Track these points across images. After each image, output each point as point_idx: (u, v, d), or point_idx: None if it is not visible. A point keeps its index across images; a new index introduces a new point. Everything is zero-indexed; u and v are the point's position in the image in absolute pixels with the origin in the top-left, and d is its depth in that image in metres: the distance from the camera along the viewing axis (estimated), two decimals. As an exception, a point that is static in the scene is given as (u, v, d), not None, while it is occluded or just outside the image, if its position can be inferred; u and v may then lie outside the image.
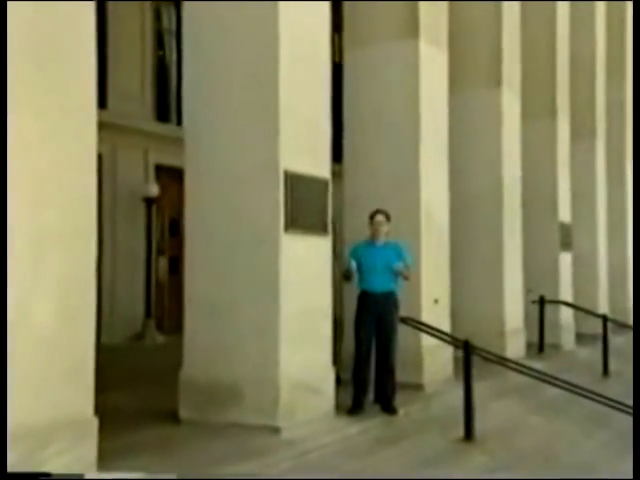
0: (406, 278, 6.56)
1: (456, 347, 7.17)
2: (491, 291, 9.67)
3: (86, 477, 3.48)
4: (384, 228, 6.50)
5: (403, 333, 6.68)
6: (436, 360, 7.69)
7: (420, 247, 7.61)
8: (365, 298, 6.45)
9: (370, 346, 6.40)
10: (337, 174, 7.08)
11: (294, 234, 5.71)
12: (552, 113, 11.75)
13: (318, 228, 6.01)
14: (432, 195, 7.91)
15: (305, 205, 5.81)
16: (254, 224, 5.69)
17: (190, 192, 6.01)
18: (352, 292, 6.66)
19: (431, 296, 7.77)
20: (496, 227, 9.78)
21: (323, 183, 6.06)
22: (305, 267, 5.84)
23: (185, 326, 5.96)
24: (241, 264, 5.71)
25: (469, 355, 6.31)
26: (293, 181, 5.68)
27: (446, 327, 7.78)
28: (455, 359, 7.70)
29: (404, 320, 6.81)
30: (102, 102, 10.05)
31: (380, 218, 6.52)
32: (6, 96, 3.93)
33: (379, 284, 6.41)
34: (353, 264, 6.36)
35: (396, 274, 6.42)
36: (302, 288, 5.80)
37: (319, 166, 6.05)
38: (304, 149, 5.88)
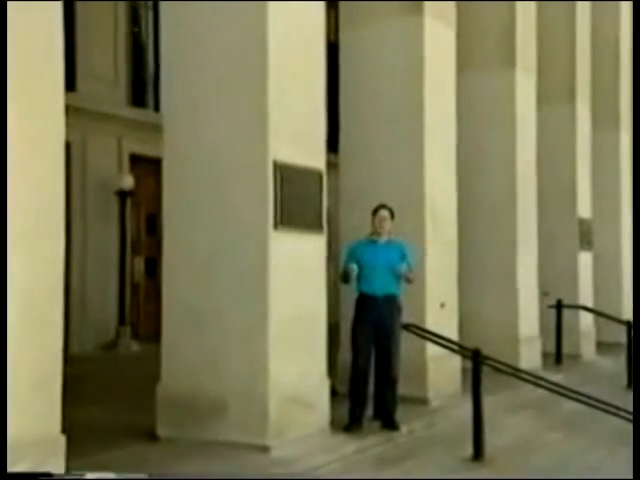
0: (410, 281, 6.57)
1: (464, 357, 7.19)
2: (503, 295, 9.72)
3: (87, 477, 3.53)
4: (388, 225, 6.52)
5: (406, 341, 6.69)
6: (442, 371, 7.71)
7: (425, 246, 7.64)
8: (364, 302, 6.47)
9: (369, 355, 6.42)
10: (332, 165, 7.10)
11: (285, 232, 5.71)
12: (571, 98, 11.79)
13: (311, 225, 6.02)
14: (438, 188, 7.93)
15: (297, 199, 5.82)
16: (240, 220, 5.70)
17: (169, 185, 6.02)
18: (349, 295, 6.68)
19: (437, 300, 7.80)
20: (509, 223, 9.82)
21: (317, 175, 6.07)
22: (297, 268, 5.86)
23: (163, 333, 5.96)
24: (226, 265, 5.72)
25: (479, 365, 6.33)
26: (284, 173, 5.69)
27: (453, 335, 7.80)
28: (463, 370, 7.72)
29: (407, 327, 6.82)
30: (70, 84, 10.02)
31: (384, 214, 6.53)
32: (6, 96, 3.96)
33: (380, 286, 6.42)
34: (354, 267, 6.38)
35: (399, 276, 6.44)
36: (294, 291, 5.81)
37: (313, 156, 6.06)
38: (296, 137, 5.89)
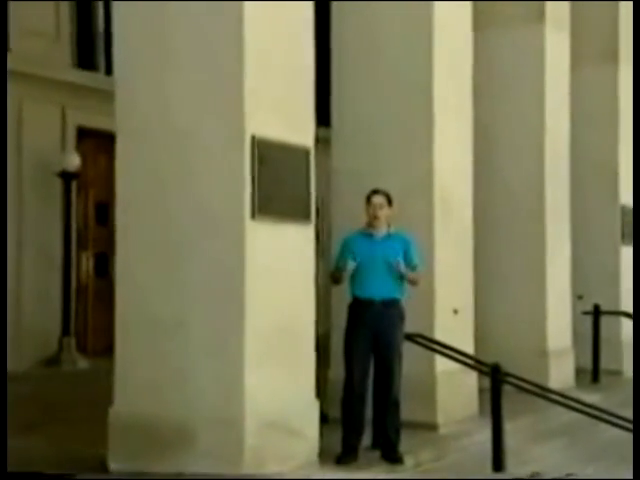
0: (413, 283, 6.61)
1: (482, 373, 7.25)
2: (529, 298, 9.78)
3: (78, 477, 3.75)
4: (384, 214, 6.55)
5: (410, 355, 6.74)
6: (455, 391, 7.76)
7: (434, 241, 7.68)
8: (359, 308, 6.49)
9: (366, 373, 6.45)
10: (323, 141, 7.11)
11: (264, 223, 5.73)
12: (612, 58, 11.82)
13: (297, 214, 6.04)
14: (450, 167, 7.96)
15: (279, 183, 5.84)
16: (209, 209, 5.72)
17: (123, 166, 6.03)
18: (343, 300, 6.72)
19: (448, 306, 7.84)
20: (536, 211, 9.88)
21: (303, 153, 6.09)
22: (279, 267, 5.88)
23: (117, 347, 5.98)
24: (192, 264, 5.74)
25: (499, 384, 6.38)
26: (263, 150, 5.70)
27: (469, 347, 7.86)
28: (480, 389, 7.78)
29: (412, 337, 6.86)
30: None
31: (379, 200, 6.55)
32: (6, 96, 3.94)
33: (378, 289, 6.45)
34: (351, 263, 6.41)
35: (401, 277, 6.48)
36: (275, 295, 5.84)
37: (299, 130, 6.07)
38: (278, 108, 5.90)
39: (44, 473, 3.86)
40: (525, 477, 6.16)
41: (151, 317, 5.84)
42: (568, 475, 3.22)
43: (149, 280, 5.87)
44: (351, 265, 6.42)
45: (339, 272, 6.55)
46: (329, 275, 6.72)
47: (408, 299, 6.61)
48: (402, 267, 6.44)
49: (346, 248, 6.58)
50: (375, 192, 6.60)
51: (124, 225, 6.03)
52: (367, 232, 6.60)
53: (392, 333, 6.45)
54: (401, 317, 6.53)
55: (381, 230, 6.58)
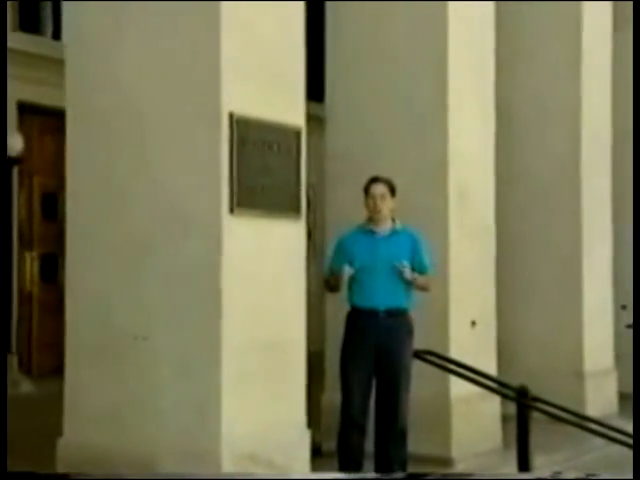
0: (423, 289, 6.64)
1: (506, 398, 7.29)
2: (562, 308, 9.81)
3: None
4: (387, 206, 6.56)
5: (420, 376, 6.77)
6: (474, 419, 7.79)
7: (448, 241, 7.72)
8: (358, 320, 6.53)
9: (367, 398, 6.49)
10: (316, 119, 7.13)
11: (245, 218, 5.75)
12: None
13: (285, 207, 6.06)
14: (468, 158, 8.00)
15: (264, 170, 5.87)
16: (179, 202, 5.73)
17: (75, 149, 6.04)
18: (340, 310, 6.75)
19: (466, 317, 7.89)
20: (570, 204, 9.91)
21: (293, 134, 6.11)
22: (264, 272, 5.90)
23: (67, 367, 6.00)
24: (159, 268, 5.75)
25: (527, 411, 6.40)
26: (244, 131, 5.72)
27: (490, 366, 7.91)
28: (504, 417, 7.81)
29: (422, 355, 6.89)
30: None
31: (380, 190, 6.57)
32: (6, 96, 3.94)
33: (382, 297, 6.49)
34: (348, 270, 6.44)
35: (408, 282, 6.50)
36: (258, 306, 5.85)
37: (287, 107, 6.10)
38: (262, 80, 5.92)
39: (44, 473, 3.97)
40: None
41: (108, 331, 5.85)
42: (589, 475, 3.35)
43: (105, 287, 5.89)
44: (348, 271, 6.45)
45: (334, 278, 6.56)
46: (323, 281, 6.73)
47: (419, 308, 6.64)
48: (408, 272, 6.46)
49: (342, 249, 6.60)
50: (375, 180, 6.61)
51: (76, 221, 6.04)
52: (367, 229, 6.62)
53: (398, 350, 6.49)
54: (409, 331, 6.56)
55: (384, 226, 6.60)
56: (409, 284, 6.53)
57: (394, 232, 6.61)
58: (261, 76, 5.93)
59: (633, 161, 11.41)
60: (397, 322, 6.51)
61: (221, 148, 5.65)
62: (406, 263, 6.47)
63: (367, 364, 6.45)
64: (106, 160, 5.94)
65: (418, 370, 6.72)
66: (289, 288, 6.12)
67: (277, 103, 6.02)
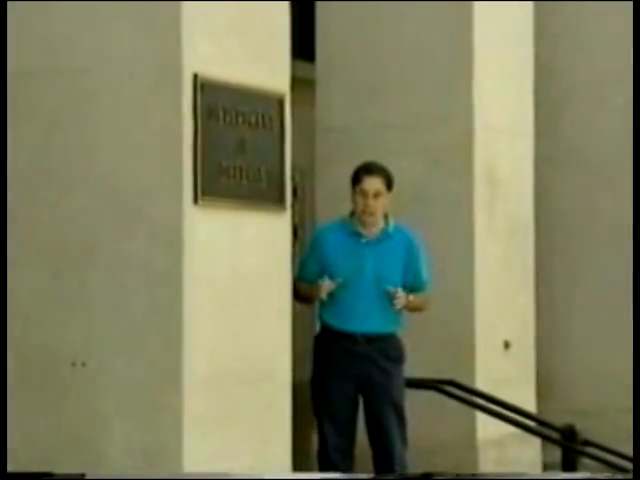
0: (417, 310, 6.66)
1: (548, 441, 7.30)
2: (617, 328, 9.80)
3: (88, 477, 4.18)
4: (381, 206, 6.53)
5: (439, 412, 6.80)
6: (507, 467, 7.75)
7: (473, 239, 7.77)
8: (332, 345, 6.56)
9: (347, 437, 6.54)
10: (303, 83, 7.10)
11: (213, 210, 5.76)
12: None
13: (264, 196, 6.07)
14: (499, 133, 8.03)
15: (238, 148, 5.87)
16: (128, 190, 5.71)
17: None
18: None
19: (495, 337, 7.90)
20: (622, 194, 9.91)
21: (275, 102, 6.12)
22: (238, 279, 5.90)
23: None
24: (102, 275, 5.74)
25: (575, 457, 6.40)
26: (212, 98, 5.72)
27: (528, 400, 7.93)
28: (546, 465, 7.87)
29: (440, 386, 6.89)
30: None
31: (374, 186, 6.52)
32: (6, 97, 4.21)
33: (364, 318, 6.52)
34: (328, 283, 6.43)
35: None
36: (230, 323, 5.86)
37: (267, 68, 6.10)
38: (237, 34, 5.91)
39: (45, 473, 4.10)
40: None
41: (37, 354, 5.82)
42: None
43: (37, 299, 5.86)
44: (327, 287, 6.45)
45: (306, 289, 6.57)
46: (291, 288, 6.64)
47: (433, 325, 6.63)
48: (402, 300, 6.47)
49: (318, 250, 6.66)
50: (367, 171, 6.58)
51: (8, 215, 6.00)
52: (352, 229, 6.63)
53: (384, 383, 6.52)
54: (399, 358, 6.61)
55: (374, 227, 6.60)
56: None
57: (385, 235, 6.61)
58: (234, 29, 5.93)
59: (633, 160, 11.49)
60: (380, 348, 6.53)
61: (182, 121, 5.64)
62: (400, 291, 6.46)
63: (344, 399, 6.53)
64: (38, 137, 5.90)
65: (436, 405, 6.76)
66: (270, 301, 6.12)
67: (255, 63, 6.03)
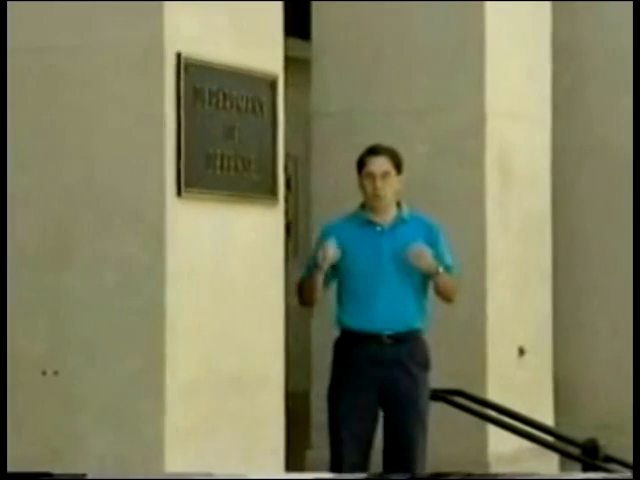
0: (447, 294, 6.64)
1: (567, 457, 7.35)
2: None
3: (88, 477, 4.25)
4: (390, 187, 6.55)
5: (447, 425, 6.85)
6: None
7: (485, 235, 7.81)
8: (353, 348, 6.56)
9: (365, 456, 6.53)
10: (297, 63, 7.12)
11: (199, 204, 5.80)
12: None
13: (255, 187, 6.10)
14: (513, 119, 8.07)
15: (225, 135, 5.91)
16: (107, 182, 5.74)
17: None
18: (331, 331, 6.79)
19: (509, 342, 7.94)
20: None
21: (266, 84, 6.16)
22: (225, 280, 5.94)
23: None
24: (78, 275, 5.77)
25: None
26: (197, 80, 5.75)
27: (546, 412, 7.97)
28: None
29: (448, 397, 6.92)
30: None
31: (381, 166, 6.56)
32: (6, 98, 4.42)
33: (387, 315, 6.52)
34: (332, 248, 6.35)
35: (424, 279, 6.50)
36: (217, 328, 5.89)
37: (258, 47, 6.13)
38: (224, 10, 5.94)
39: (45, 473, 4.13)
40: None
41: (10, 363, 5.80)
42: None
43: (9, 303, 5.85)
44: (332, 252, 6.41)
45: (310, 279, 6.55)
46: (296, 288, 6.64)
47: (441, 330, 6.66)
48: (429, 259, 6.41)
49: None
50: (373, 152, 6.62)
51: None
52: (364, 218, 6.65)
53: (411, 390, 6.52)
54: (424, 362, 6.59)
55: (387, 214, 6.63)
56: (424, 289, 6.55)
57: (401, 221, 6.62)
58: (222, 4, 5.96)
59: (633, 158, 11.53)
60: (408, 350, 6.52)
61: (164, 105, 5.67)
62: (424, 246, 6.42)
63: (366, 412, 6.50)
64: (15, 127, 5.90)
65: (444, 418, 6.77)
66: (261, 303, 6.16)
67: (244, 41, 6.06)
